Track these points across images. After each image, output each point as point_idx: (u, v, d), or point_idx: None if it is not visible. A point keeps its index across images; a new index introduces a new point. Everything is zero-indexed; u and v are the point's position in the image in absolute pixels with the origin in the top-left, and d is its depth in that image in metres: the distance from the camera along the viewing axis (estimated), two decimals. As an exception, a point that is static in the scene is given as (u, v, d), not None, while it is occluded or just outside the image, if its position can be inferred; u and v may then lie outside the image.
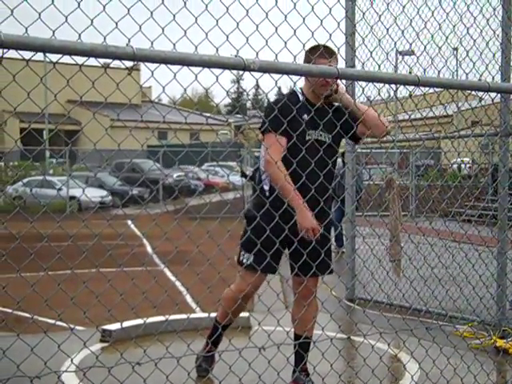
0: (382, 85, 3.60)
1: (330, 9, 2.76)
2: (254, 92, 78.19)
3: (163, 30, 2.12)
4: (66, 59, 2.05)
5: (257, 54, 2.32)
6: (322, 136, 3.53)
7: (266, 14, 2.42)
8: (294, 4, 2.58)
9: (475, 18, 4.35)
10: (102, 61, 2.06)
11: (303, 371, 3.70)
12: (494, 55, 4.44)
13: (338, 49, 3.00)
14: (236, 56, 2.20)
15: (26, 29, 1.86)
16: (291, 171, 3.20)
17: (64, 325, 3.93)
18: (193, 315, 5.48)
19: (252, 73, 2.27)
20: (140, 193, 22.75)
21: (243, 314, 5.03)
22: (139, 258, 8.90)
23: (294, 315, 3.67)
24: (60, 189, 21.03)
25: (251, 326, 5.05)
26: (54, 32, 1.86)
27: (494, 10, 4.63)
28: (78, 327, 4.80)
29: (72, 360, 2.71)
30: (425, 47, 3.58)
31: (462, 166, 16.15)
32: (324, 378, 3.07)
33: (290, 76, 2.44)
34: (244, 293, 3.47)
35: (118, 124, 29.33)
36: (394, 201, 3.54)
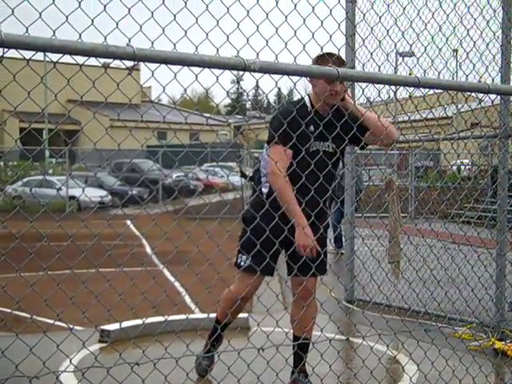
0: (381, 86, 3.59)
1: (331, 10, 2.76)
2: (253, 93, 78.25)
3: (164, 30, 2.12)
4: (66, 59, 2.05)
5: (257, 54, 2.32)
6: (327, 146, 3.53)
7: (267, 14, 2.42)
8: (295, 5, 2.58)
9: (475, 19, 4.35)
10: (102, 60, 2.06)
11: (302, 372, 3.71)
12: (493, 57, 4.44)
13: (339, 50, 3.00)
14: (236, 56, 2.20)
15: (27, 28, 1.86)
16: (294, 180, 3.21)
17: (63, 325, 3.94)
18: (192, 316, 5.48)
19: (252, 73, 2.27)
20: (139, 193, 22.74)
21: (242, 315, 5.03)
22: (138, 258, 8.90)
23: (293, 316, 3.68)
24: (59, 189, 21.03)
25: (250, 326, 5.05)
26: (54, 32, 1.86)
27: (494, 11, 4.64)
28: (76, 327, 4.80)
29: (71, 360, 2.72)
30: (425, 48, 3.58)
31: (462, 167, 16.15)
32: (323, 379, 3.07)
33: (291, 76, 2.44)
34: (243, 294, 3.50)
35: (118, 124, 29.33)
36: (394, 202, 3.54)
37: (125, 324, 4.69)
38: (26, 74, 2.03)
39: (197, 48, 2.18)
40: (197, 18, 2.20)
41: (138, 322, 4.65)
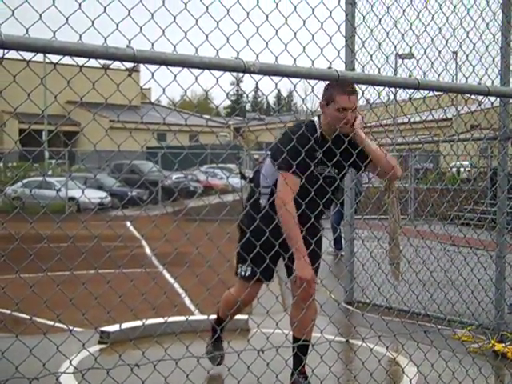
0: (381, 88, 3.60)
1: (331, 12, 2.76)
2: (253, 94, 78.29)
3: (164, 31, 2.12)
4: (66, 60, 2.05)
5: (257, 56, 2.33)
6: (329, 171, 3.55)
7: (267, 16, 2.42)
8: (295, 7, 2.58)
9: (475, 22, 4.35)
10: (102, 62, 2.06)
11: (302, 374, 3.70)
12: (493, 59, 4.45)
13: (338, 52, 2.99)
14: (236, 58, 2.20)
15: (27, 29, 1.86)
16: (295, 202, 3.27)
17: (63, 326, 3.93)
18: (192, 317, 5.48)
19: (252, 75, 2.27)
20: (139, 194, 22.74)
21: (242, 317, 5.04)
22: (138, 259, 8.89)
23: (293, 318, 3.68)
24: (59, 190, 21.02)
25: (250, 328, 5.04)
26: (54, 33, 1.86)
27: (494, 14, 4.64)
28: (76, 328, 4.78)
29: (70, 361, 2.72)
30: (425, 51, 3.58)
31: (461, 169, 16.15)
32: (322, 381, 3.07)
33: (290, 78, 2.44)
34: (243, 299, 3.59)
35: (118, 125, 29.30)
36: (393, 204, 3.54)
37: (125, 325, 4.69)
38: (26, 75, 2.03)
39: (197, 50, 2.18)
40: (197, 20, 2.20)
41: (138, 323, 4.65)
